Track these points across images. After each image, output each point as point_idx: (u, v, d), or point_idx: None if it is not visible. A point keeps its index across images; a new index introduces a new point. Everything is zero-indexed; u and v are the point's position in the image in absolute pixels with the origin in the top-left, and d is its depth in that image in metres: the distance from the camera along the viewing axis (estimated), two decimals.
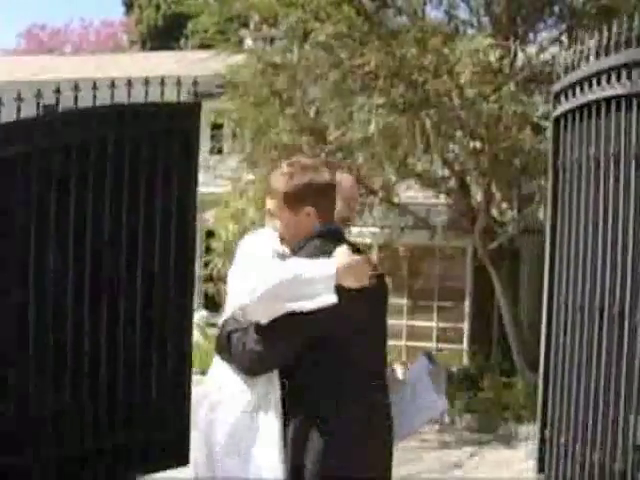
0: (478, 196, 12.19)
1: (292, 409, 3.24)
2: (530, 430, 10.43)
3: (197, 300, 22.95)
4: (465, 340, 14.12)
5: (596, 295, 4.25)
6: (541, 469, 4.94)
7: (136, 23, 35.07)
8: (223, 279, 15.38)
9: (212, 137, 20.26)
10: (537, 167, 9.55)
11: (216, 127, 14.56)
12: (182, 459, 6.09)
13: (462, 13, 11.10)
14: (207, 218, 17.21)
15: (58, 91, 5.52)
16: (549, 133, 5.17)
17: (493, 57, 9.27)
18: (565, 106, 4.89)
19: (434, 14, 11.03)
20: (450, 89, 9.05)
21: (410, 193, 12.53)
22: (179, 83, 6.22)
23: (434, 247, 13.96)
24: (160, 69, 22.19)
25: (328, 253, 3.24)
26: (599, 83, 4.42)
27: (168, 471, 6.50)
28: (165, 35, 31.30)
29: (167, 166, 6.13)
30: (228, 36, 10.93)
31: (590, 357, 4.25)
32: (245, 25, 11.39)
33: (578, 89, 4.72)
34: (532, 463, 9.56)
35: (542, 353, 4.94)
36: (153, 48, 30.41)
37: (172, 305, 6.20)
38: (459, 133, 9.82)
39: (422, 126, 8.86)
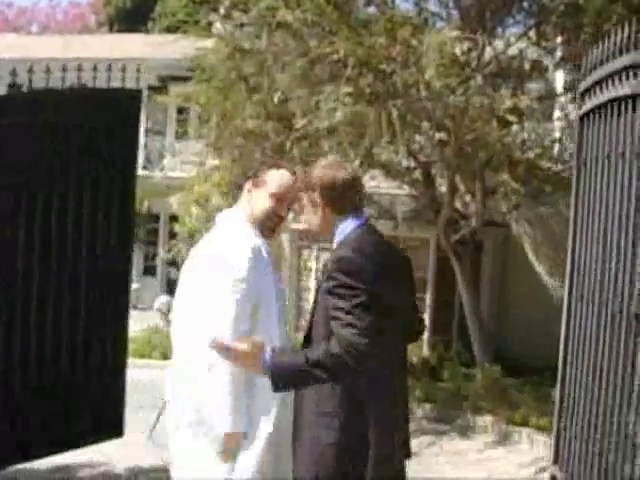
0: (442, 188, 12.26)
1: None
2: (488, 421, 10.56)
3: (159, 285, 22.92)
4: (426, 331, 14.18)
5: (610, 292, 4.25)
6: (555, 460, 4.98)
7: (104, 4, 34.77)
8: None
9: (178, 121, 20.25)
10: (501, 160, 9.61)
11: (182, 111, 14.50)
12: (117, 432, 6.27)
13: (432, 5, 11.14)
14: (172, 203, 17.18)
15: (14, 72, 5.56)
16: (575, 132, 5.20)
17: (459, 50, 9.31)
18: (588, 105, 4.94)
19: (404, 5, 11.09)
20: (417, 80, 9.07)
21: (374, 183, 12.57)
22: (138, 70, 6.38)
23: (397, 238, 14.00)
24: (128, 51, 22.06)
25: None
26: (615, 82, 4.46)
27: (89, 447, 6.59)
28: (133, 17, 31.08)
29: (109, 150, 6.26)
30: (196, 20, 10.87)
31: (605, 355, 4.28)
32: (215, 10, 11.32)
33: (598, 88, 4.76)
34: (490, 453, 9.71)
35: (561, 347, 4.95)
36: (121, 30, 30.21)
37: (111, 281, 6.44)
38: (425, 124, 9.86)
39: (388, 116, 8.88)
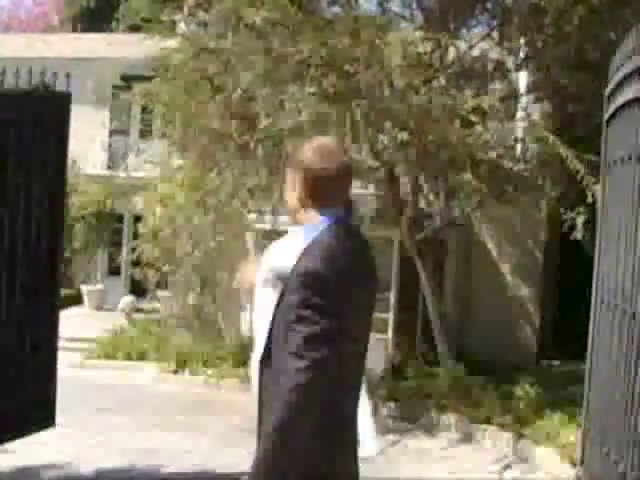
0: (406, 187, 12.30)
1: None
2: (451, 419, 10.62)
3: (124, 285, 22.80)
4: (390, 330, 14.24)
5: (633, 295, 4.25)
6: (582, 462, 5.01)
7: (67, 3, 34.51)
8: (150, 264, 15.31)
9: (143, 121, 20.14)
10: (464, 160, 9.67)
11: (146, 111, 14.43)
12: (46, 423, 6.29)
13: (395, 6, 11.18)
14: (136, 203, 17.09)
15: None
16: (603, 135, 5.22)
17: (422, 49, 9.35)
18: (611, 108, 4.96)
19: (367, 6, 11.09)
20: (381, 80, 9.11)
21: None
22: (68, 76, 6.54)
23: None
24: (92, 51, 21.93)
25: None
26: (631, 85, 4.48)
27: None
28: (97, 16, 30.86)
29: (37, 151, 6.39)
30: (160, 19, 10.83)
31: (622, 358, 4.29)
32: (179, 8, 11.29)
33: (619, 91, 4.78)
34: (453, 451, 9.77)
35: (589, 350, 4.98)
36: (84, 29, 30.01)
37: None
38: (388, 124, 9.90)
39: (352, 116, 8.91)
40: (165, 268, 13.71)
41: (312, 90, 9.03)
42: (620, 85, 4.71)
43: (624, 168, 4.53)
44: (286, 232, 3.64)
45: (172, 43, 10.97)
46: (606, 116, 5.14)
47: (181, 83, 10.54)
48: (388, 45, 8.85)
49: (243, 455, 3.80)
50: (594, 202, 8.56)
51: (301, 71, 9.40)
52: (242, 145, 10.29)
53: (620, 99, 4.71)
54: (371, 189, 12.78)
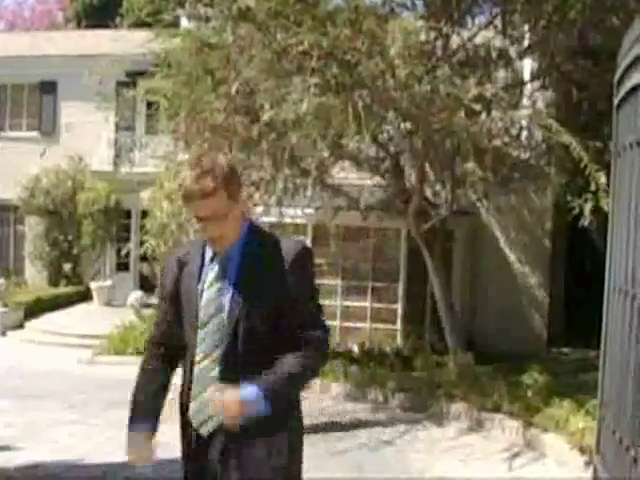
0: (412, 177, 12.28)
1: None
2: (461, 408, 10.62)
3: (133, 281, 22.86)
4: (399, 320, 14.26)
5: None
6: (597, 451, 4.99)
7: (71, 0, 34.54)
8: (157, 259, 15.33)
9: (148, 116, 20.16)
10: (469, 149, 9.64)
11: (151, 106, 14.44)
12: None
13: None
14: (142, 198, 17.12)
15: None
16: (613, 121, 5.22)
17: (424, 38, 9.30)
18: (621, 92, 4.94)
19: None
20: (383, 70, 9.08)
21: (344, 174, 12.58)
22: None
23: (368, 228, 14.04)
24: (96, 47, 21.94)
25: None
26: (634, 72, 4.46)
27: None
28: (101, 13, 30.87)
29: None
30: (163, 15, 10.82)
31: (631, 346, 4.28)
32: (181, 4, 11.28)
33: (627, 75, 4.76)
34: (463, 440, 9.77)
35: (602, 338, 4.97)
36: (89, 26, 30.02)
37: None
38: (391, 114, 9.88)
39: (355, 107, 8.88)
40: None
41: (314, 81, 9.00)
42: (629, 69, 4.69)
43: (635, 153, 4.51)
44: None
45: (175, 39, 10.96)
46: (616, 101, 5.12)
47: (183, 78, 10.53)
48: (388, 34, 8.81)
49: None
50: (597, 189, 8.55)
51: (303, 63, 9.38)
52: (246, 138, 10.28)
53: (629, 83, 4.69)
54: (376, 180, 12.75)
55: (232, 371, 3.38)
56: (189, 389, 3.55)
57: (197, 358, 3.49)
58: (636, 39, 4.57)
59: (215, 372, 3.44)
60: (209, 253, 3.53)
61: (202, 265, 3.54)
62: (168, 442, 3.91)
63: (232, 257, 3.49)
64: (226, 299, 3.44)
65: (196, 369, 3.50)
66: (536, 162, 11.44)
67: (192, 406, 3.54)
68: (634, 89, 4.56)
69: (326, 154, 9.62)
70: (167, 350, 3.74)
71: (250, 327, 3.38)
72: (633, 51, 4.56)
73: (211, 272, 3.51)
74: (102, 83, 12.30)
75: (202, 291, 3.49)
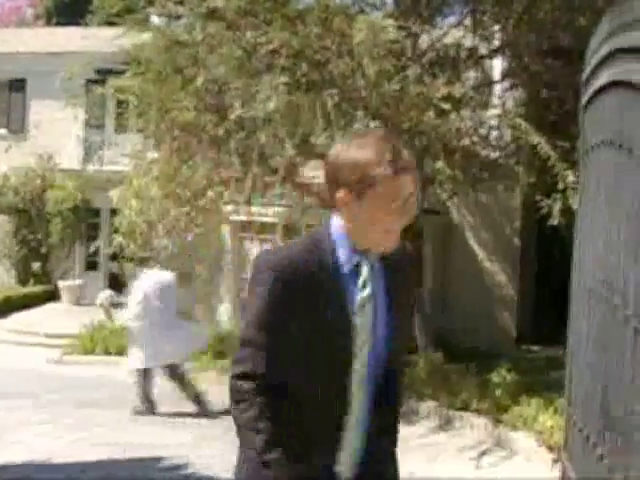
0: None
1: None
2: (430, 407, 10.64)
3: (102, 280, 22.74)
4: None
5: (612, 284, 4.24)
6: (565, 447, 5.02)
7: None
8: (127, 257, 15.25)
9: (117, 115, 20.07)
10: (439, 148, 9.67)
11: (121, 104, 14.37)
12: None
13: None
14: (112, 197, 17.03)
15: None
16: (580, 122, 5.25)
17: (394, 37, 9.31)
18: (588, 92, 4.96)
19: None
20: (353, 69, 9.09)
21: (314, 173, 12.57)
22: None
23: None
24: (65, 45, 21.81)
25: None
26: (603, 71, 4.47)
27: None
28: (71, 10, 30.69)
29: None
30: (134, 13, 10.78)
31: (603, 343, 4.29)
32: (151, 2, 11.24)
33: (595, 75, 4.77)
34: (433, 438, 9.79)
35: (569, 333, 4.98)
36: (59, 23, 29.81)
37: None
38: (360, 113, 9.89)
39: (324, 105, 8.89)
40: (142, 261, 13.66)
41: (284, 80, 8.99)
42: (596, 69, 4.71)
43: (602, 153, 4.54)
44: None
45: (145, 37, 10.92)
46: (583, 101, 5.15)
47: (153, 76, 10.49)
48: (356, 31, 8.80)
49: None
50: (566, 188, 8.60)
51: (272, 61, 9.37)
52: (215, 137, 10.26)
53: (596, 84, 4.72)
54: None
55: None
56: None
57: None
58: (603, 39, 4.61)
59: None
60: (346, 262, 2.63)
61: (340, 278, 2.62)
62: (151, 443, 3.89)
63: (375, 267, 2.69)
64: (380, 325, 2.68)
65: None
66: (505, 161, 11.48)
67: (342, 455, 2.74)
68: (601, 89, 4.59)
69: (293, 152, 9.60)
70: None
71: (401, 359, 2.91)
72: (600, 52, 4.59)
73: (362, 290, 2.63)
74: (71, 80, 12.20)
75: (353, 315, 2.62)
